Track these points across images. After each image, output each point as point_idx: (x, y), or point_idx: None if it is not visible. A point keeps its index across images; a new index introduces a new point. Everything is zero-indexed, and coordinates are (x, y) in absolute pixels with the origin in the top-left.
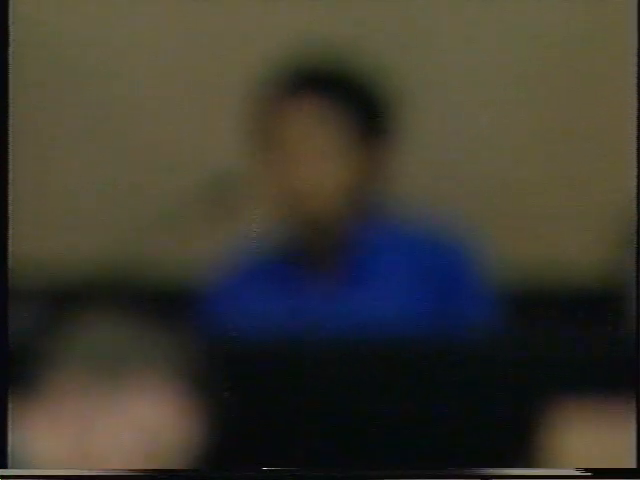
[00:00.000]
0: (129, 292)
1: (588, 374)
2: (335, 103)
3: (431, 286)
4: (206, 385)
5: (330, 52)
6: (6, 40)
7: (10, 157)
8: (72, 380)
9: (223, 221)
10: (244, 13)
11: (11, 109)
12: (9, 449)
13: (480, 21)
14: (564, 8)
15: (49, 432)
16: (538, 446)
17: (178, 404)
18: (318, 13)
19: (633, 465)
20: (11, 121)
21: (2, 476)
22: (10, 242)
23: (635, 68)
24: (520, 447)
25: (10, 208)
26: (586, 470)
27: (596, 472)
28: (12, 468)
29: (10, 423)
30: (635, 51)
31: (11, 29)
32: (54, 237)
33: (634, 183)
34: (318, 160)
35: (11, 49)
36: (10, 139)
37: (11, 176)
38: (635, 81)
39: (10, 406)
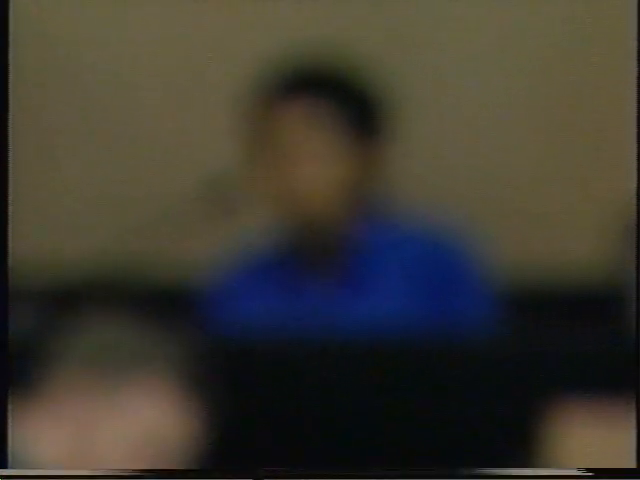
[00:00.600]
0: (129, 292)
1: (588, 374)
2: (332, 104)
3: (431, 285)
4: (206, 385)
5: (327, 54)
6: (6, 40)
7: (10, 157)
8: (72, 380)
9: (222, 221)
10: (241, 16)
11: (11, 109)
12: (9, 449)
13: (479, 21)
14: (564, 8)
15: (49, 432)
16: (538, 446)
17: (178, 404)
18: (314, 15)
19: (633, 465)
20: (11, 121)
21: (2, 476)
22: (10, 242)
23: (635, 68)
24: (520, 447)
25: (10, 208)
26: (586, 470)
27: (596, 472)
28: (12, 468)
29: (10, 423)
30: (635, 51)
31: (11, 29)
32: (54, 237)
33: (634, 183)
34: (316, 161)
35: (11, 49)
36: (10, 139)
37: (11, 176)
38: (635, 81)
39: (10, 406)
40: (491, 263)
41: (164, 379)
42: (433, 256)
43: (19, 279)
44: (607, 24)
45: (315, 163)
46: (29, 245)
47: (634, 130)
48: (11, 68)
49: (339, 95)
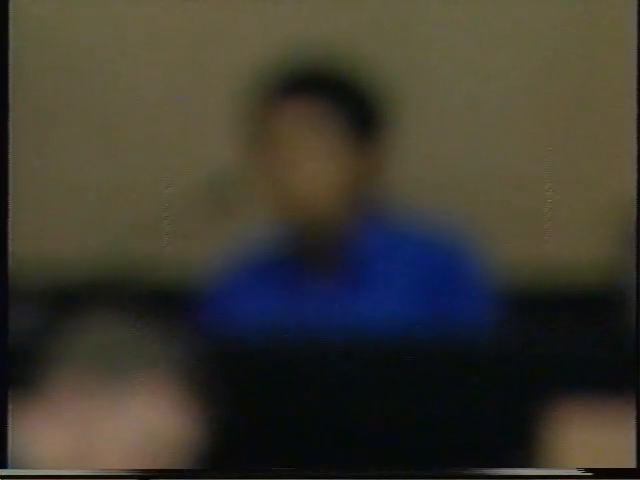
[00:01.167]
0: (129, 292)
1: (588, 374)
2: (332, 105)
3: (431, 286)
4: (206, 385)
5: (327, 54)
6: (6, 40)
7: (10, 157)
8: (72, 380)
9: (222, 222)
10: (240, 16)
11: (11, 109)
12: (9, 449)
13: (478, 21)
14: (564, 7)
15: (49, 432)
16: (538, 446)
17: (178, 404)
18: (314, 15)
19: (633, 465)
20: (11, 121)
21: (2, 476)
22: (10, 242)
23: (635, 68)
24: (520, 447)
25: (10, 208)
26: (586, 470)
27: (596, 472)
28: (12, 468)
29: (10, 423)
30: (635, 51)
31: (11, 29)
32: (54, 237)
33: (634, 183)
34: (316, 161)
35: (11, 49)
36: (10, 139)
37: (11, 176)
38: (635, 81)
39: (10, 406)
40: (491, 263)
41: (164, 379)
42: (433, 256)
43: (19, 279)
44: (607, 24)
45: (315, 163)
46: (29, 245)
47: (634, 130)
48: (11, 68)
49: (339, 95)
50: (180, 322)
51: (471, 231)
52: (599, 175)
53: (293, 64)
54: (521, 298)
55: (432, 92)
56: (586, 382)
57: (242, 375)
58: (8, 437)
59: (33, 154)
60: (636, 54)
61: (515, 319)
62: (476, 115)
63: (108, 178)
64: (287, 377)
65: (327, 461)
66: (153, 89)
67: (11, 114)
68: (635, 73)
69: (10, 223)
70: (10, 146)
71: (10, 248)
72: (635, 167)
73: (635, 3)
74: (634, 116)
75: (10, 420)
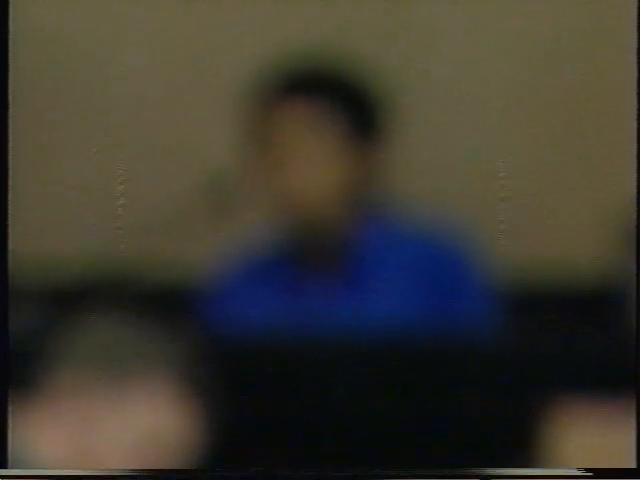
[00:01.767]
0: (129, 292)
1: (588, 374)
2: (332, 106)
3: (431, 286)
4: (206, 385)
5: (326, 55)
6: (6, 40)
7: (10, 157)
8: (72, 380)
9: (222, 222)
10: (239, 17)
11: (11, 109)
12: (9, 449)
13: (477, 21)
14: (564, 7)
15: (49, 432)
16: (538, 446)
17: (178, 404)
18: (312, 16)
19: (633, 465)
20: (11, 121)
21: (2, 476)
22: (10, 242)
23: (635, 68)
24: (520, 447)
25: (10, 208)
26: (586, 470)
27: (596, 472)
28: (12, 468)
29: (10, 423)
30: (635, 51)
31: (11, 29)
32: (54, 237)
33: (634, 183)
34: (315, 161)
35: (11, 49)
36: (10, 139)
37: (11, 176)
38: (635, 81)
39: (10, 406)
40: (491, 263)
41: (164, 379)
42: (433, 256)
43: (19, 279)
44: (607, 24)
45: (315, 164)
46: (29, 245)
47: (634, 130)
48: (11, 68)
49: (338, 96)
50: (181, 322)
51: (471, 230)
52: (599, 175)
53: (292, 65)
54: (521, 298)
55: (432, 92)
56: (586, 382)
57: (243, 375)
58: (8, 437)
59: (33, 154)
60: (636, 54)
61: (515, 319)
62: (476, 115)
63: (108, 178)
64: (288, 377)
65: (328, 461)
66: (153, 90)
67: (11, 114)
68: (635, 73)
69: (10, 223)
70: (10, 146)
71: (10, 248)
72: (635, 167)
73: (635, 3)
74: (634, 116)
75: (10, 420)
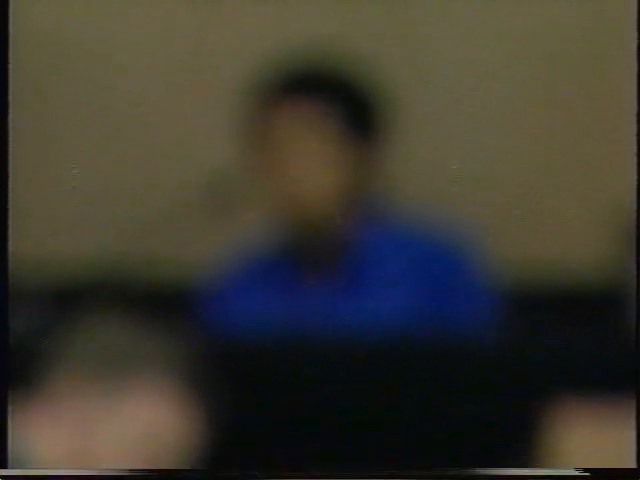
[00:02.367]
0: (129, 292)
1: (588, 374)
2: (331, 106)
3: (431, 286)
4: (206, 385)
5: (326, 55)
6: (6, 40)
7: (10, 157)
8: (72, 380)
9: (222, 222)
10: (239, 17)
11: (11, 109)
12: (9, 449)
13: (476, 21)
14: (563, 7)
15: (49, 432)
16: (538, 446)
17: (178, 404)
18: (312, 16)
19: (633, 465)
20: (11, 121)
21: (2, 476)
22: (10, 242)
23: (635, 68)
24: (520, 447)
25: (10, 208)
26: (586, 470)
27: (596, 472)
28: (12, 468)
29: (10, 423)
30: (635, 51)
31: (11, 29)
32: (54, 237)
33: (634, 183)
34: (315, 161)
35: (11, 49)
36: (10, 139)
37: (11, 176)
38: (635, 81)
39: (10, 406)
40: (491, 264)
41: (164, 379)
42: (433, 256)
43: (19, 279)
44: (607, 24)
45: (314, 164)
46: (29, 245)
47: (634, 130)
48: (11, 68)
49: (338, 96)
50: (180, 322)
51: (471, 230)
52: (599, 175)
53: (292, 65)
54: (521, 298)
55: (432, 92)
56: (586, 382)
57: (243, 375)
58: (8, 437)
59: (33, 154)
60: (636, 54)
61: (515, 319)
62: (476, 115)
63: (108, 178)
64: (287, 377)
65: (327, 461)
66: (153, 89)
67: (11, 114)
68: (635, 73)
69: (10, 223)
70: (10, 146)
71: (10, 248)
72: (635, 167)
73: (635, 3)
74: (634, 116)
75: (10, 420)
